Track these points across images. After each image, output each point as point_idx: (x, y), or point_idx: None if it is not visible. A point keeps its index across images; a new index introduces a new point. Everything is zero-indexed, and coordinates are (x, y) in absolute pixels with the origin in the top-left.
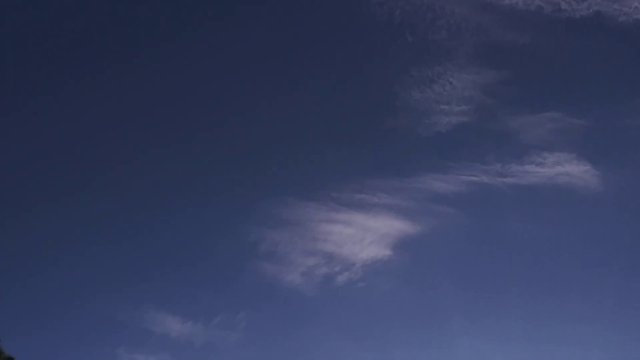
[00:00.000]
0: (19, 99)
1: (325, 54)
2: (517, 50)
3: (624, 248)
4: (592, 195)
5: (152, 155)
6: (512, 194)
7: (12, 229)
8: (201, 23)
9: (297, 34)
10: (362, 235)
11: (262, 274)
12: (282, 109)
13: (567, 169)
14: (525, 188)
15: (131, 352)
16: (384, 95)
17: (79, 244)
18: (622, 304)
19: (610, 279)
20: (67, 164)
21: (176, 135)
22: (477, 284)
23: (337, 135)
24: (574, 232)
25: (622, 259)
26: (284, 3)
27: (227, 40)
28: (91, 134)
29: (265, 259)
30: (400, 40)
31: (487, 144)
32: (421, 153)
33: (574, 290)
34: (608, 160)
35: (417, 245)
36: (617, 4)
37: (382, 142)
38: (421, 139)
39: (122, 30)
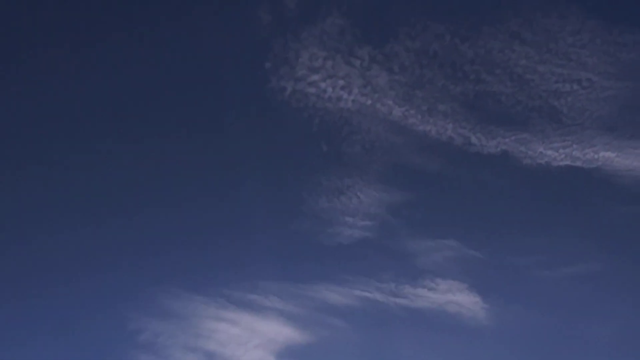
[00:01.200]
0: None
1: (237, 149)
2: (425, 176)
3: None
4: (479, 327)
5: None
6: (402, 314)
7: None
8: None
9: (205, 128)
10: (248, 337)
11: None
12: (183, 197)
13: (458, 298)
14: (415, 311)
15: None
16: (291, 199)
17: None
18: None
19: None
20: None
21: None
22: None
23: (237, 231)
24: None
25: None
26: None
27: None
28: None
29: (143, 350)
30: (315, 148)
31: (384, 262)
32: (319, 261)
33: None
34: (497, 295)
35: (302, 354)
36: (523, 146)
37: (281, 245)
38: (321, 248)
39: None
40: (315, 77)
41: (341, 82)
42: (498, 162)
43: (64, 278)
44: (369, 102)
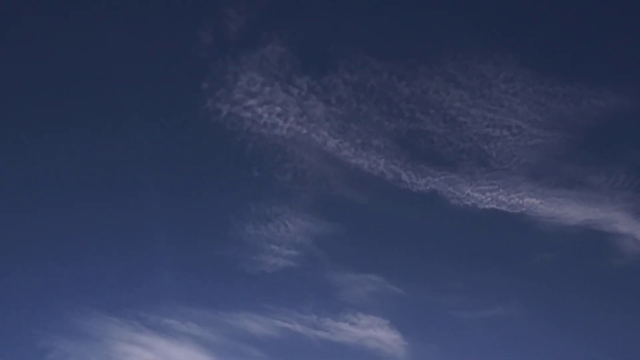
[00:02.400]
0: None
1: (166, 169)
2: (354, 209)
3: None
4: None
5: None
6: (322, 348)
7: None
8: None
9: (134, 144)
10: None
11: None
12: (106, 212)
13: (378, 334)
14: (335, 345)
15: None
16: (217, 224)
17: None
18: None
19: None
20: None
21: None
22: None
23: (157, 251)
24: None
25: None
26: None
27: None
28: None
29: None
30: (246, 173)
31: (307, 293)
32: (241, 289)
33: None
34: (417, 333)
35: None
36: (451, 187)
37: (203, 269)
38: (244, 275)
39: None
40: (252, 102)
41: (278, 109)
42: (426, 201)
43: None
44: (304, 131)
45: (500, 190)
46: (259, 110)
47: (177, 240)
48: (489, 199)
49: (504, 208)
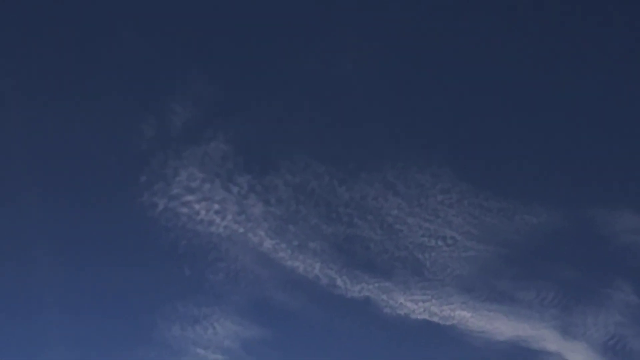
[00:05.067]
0: None
1: (93, 262)
2: (286, 313)
3: None
4: None
5: None
6: None
7: None
8: None
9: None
10: None
11: None
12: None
13: None
14: None
15: None
16: (142, 323)
17: None
18: None
19: None
20: None
21: None
22: None
23: (77, 349)
24: None
25: None
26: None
27: None
28: None
29: None
30: (177, 270)
31: None
32: None
33: None
34: None
35: None
36: (385, 295)
37: None
38: None
39: None
40: (190, 198)
41: (216, 207)
42: (360, 308)
43: None
44: (241, 230)
45: (433, 301)
46: (197, 206)
47: (97, 339)
48: (422, 309)
49: (436, 319)
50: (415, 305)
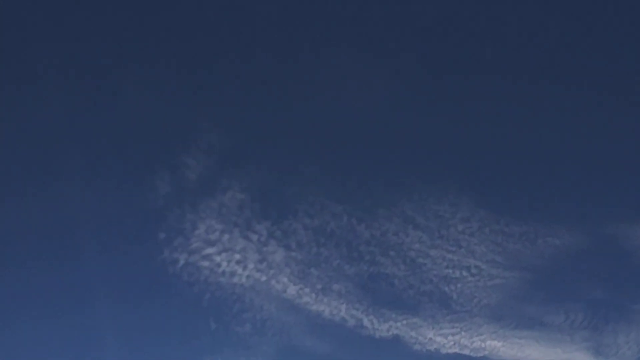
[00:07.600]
0: None
1: (122, 322)
2: (316, 358)
3: None
4: None
5: None
6: None
7: None
8: None
9: (85, 298)
10: None
11: None
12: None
13: None
14: None
15: None
16: None
17: None
18: None
19: None
20: None
21: None
22: None
23: None
24: None
25: None
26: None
27: None
28: None
29: None
30: (203, 325)
31: None
32: None
33: None
34: None
35: None
36: (414, 331)
37: None
38: None
39: None
40: (210, 250)
41: (237, 257)
42: (389, 347)
43: None
44: (264, 278)
45: (463, 333)
46: (218, 258)
47: None
48: (452, 342)
49: (466, 352)
50: (444, 339)
